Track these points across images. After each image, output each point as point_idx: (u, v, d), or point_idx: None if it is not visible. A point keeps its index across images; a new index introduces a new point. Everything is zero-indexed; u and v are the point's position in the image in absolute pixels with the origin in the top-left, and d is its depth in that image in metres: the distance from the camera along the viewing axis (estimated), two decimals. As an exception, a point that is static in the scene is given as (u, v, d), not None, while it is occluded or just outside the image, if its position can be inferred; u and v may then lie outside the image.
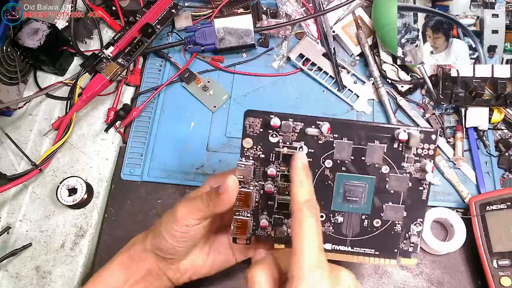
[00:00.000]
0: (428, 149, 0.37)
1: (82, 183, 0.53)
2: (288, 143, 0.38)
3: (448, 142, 0.56)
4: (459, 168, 0.55)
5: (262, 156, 0.38)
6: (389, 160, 0.38)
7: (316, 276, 0.29)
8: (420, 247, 0.52)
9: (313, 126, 0.37)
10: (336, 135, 0.37)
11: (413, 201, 0.38)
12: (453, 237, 0.49)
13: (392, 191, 0.38)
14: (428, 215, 0.50)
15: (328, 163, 0.38)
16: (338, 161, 0.38)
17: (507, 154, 0.55)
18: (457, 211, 0.52)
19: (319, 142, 0.38)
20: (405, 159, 0.37)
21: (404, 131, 0.36)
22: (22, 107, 0.60)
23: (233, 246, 0.44)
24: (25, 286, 0.51)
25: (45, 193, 0.55)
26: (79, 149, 0.58)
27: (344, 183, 0.38)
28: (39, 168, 0.54)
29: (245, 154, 0.38)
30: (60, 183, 0.53)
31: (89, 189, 0.54)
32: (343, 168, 0.38)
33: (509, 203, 0.49)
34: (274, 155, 0.38)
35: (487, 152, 0.56)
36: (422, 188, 0.38)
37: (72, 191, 0.53)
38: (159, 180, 0.56)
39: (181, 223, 0.38)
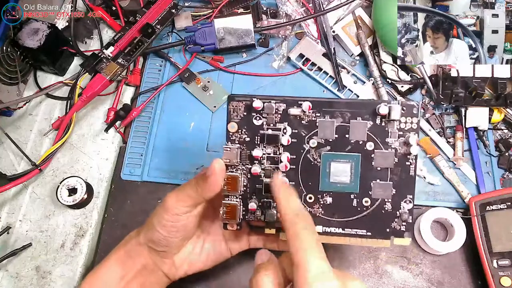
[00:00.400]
0: (411, 122, 0.37)
1: (82, 183, 0.53)
2: (272, 124, 0.38)
3: (448, 142, 0.56)
4: (459, 168, 0.55)
5: (248, 139, 0.39)
6: (373, 136, 0.38)
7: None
8: (420, 247, 0.52)
9: (295, 106, 0.38)
10: (319, 114, 0.38)
11: (401, 178, 0.38)
12: (453, 237, 0.49)
13: (378, 168, 0.38)
14: (428, 215, 0.50)
15: (313, 142, 0.38)
16: (323, 140, 0.38)
17: (507, 154, 0.55)
18: (457, 211, 0.52)
19: (302, 122, 0.38)
20: (389, 134, 0.38)
21: (385, 105, 0.36)
22: (22, 107, 0.60)
23: (227, 239, 0.44)
24: (25, 286, 0.51)
25: (45, 193, 0.55)
26: (79, 149, 0.58)
27: (330, 162, 0.38)
28: (39, 168, 0.54)
29: (231, 138, 0.39)
30: (60, 183, 0.53)
31: (89, 189, 0.54)
32: (328, 147, 0.38)
33: (509, 203, 0.49)
34: (259, 137, 0.39)
35: (487, 152, 0.56)
36: (409, 163, 0.38)
37: (72, 191, 0.53)
38: (159, 180, 0.56)
39: (171, 212, 0.38)
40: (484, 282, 0.48)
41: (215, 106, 0.60)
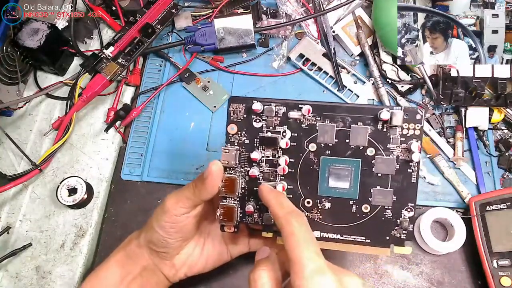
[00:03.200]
0: (414, 129, 0.37)
1: (82, 183, 0.53)
2: (271, 127, 0.38)
3: (448, 142, 0.56)
4: (459, 168, 0.55)
5: (247, 141, 0.39)
6: (374, 142, 0.37)
7: (320, 283, 0.28)
8: (420, 247, 0.52)
9: (295, 110, 0.38)
10: (319, 118, 0.38)
11: (402, 185, 0.37)
12: (453, 237, 0.49)
13: (379, 174, 0.37)
14: (428, 215, 0.50)
15: (312, 146, 0.38)
16: (322, 145, 0.38)
17: (507, 154, 0.55)
18: (457, 211, 0.52)
19: (302, 125, 0.38)
20: (391, 140, 0.37)
21: (387, 110, 0.36)
22: (22, 107, 0.60)
23: (227, 241, 0.44)
24: (25, 286, 0.51)
25: (45, 193, 0.55)
26: (79, 149, 0.58)
27: (329, 167, 0.38)
28: (39, 168, 0.54)
29: (230, 140, 0.39)
30: (60, 183, 0.53)
31: (89, 189, 0.54)
32: (327, 152, 0.38)
33: (509, 203, 0.49)
34: (258, 140, 0.38)
35: (487, 152, 0.56)
36: (410, 170, 0.37)
37: (72, 191, 0.53)
38: (159, 180, 0.56)
39: (170, 213, 0.38)
40: (484, 282, 0.48)
41: (215, 106, 0.60)
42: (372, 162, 0.37)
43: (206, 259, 0.43)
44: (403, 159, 0.37)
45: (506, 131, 0.57)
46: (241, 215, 0.39)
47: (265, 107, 0.38)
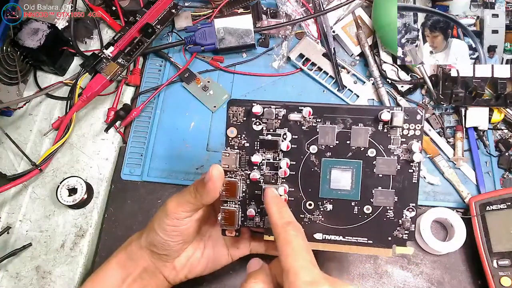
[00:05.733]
0: (415, 129, 0.37)
1: (82, 183, 0.53)
2: (271, 130, 0.38)
3: (448, 142, 0.56)
4: (459, 168, 0.55)
5: (247, 144, 0.38)
6: (375, 143, 0.37)
7: None
8: (420, 247, 0.52)
9: (295, 112, 0.37)
10: (319, 120, 0.37)
11: (404, 185, 0.37)
12: (453, 237, 0.49)
13: (380, 175, 0.37)
14: (428, 215, 0.50)
15: (313, 148, 0.38)
16: (323, 146, 0.38)
17: (507, 154, 0.55)
18: (457, 211, 0.52)
19: (303, 128, 0.38)
20: (391, 141, 0.37)
21: (388, 111, 0.36)
22: (22, 107, 0.60)
23: (228, 244, 0.44)
24: (25, 286, 0.51)
25: (45, 193, 0.55)
26: (79, 149, 0.58)
27: (331, 169, 0.38)
28: (39, 168, 0.54)
29: (230, 143, 0.39)
30: (60, 183, 0.53)
31: (89, 189, 0.54)
32: (328, 154, 0.38)
33: (509, 203, 0.49)
34: (258, 143, 0.38)
35: (487, 152, 0.56)
36: (411, 170, 0.37)
37: (72, 191, 0.53)
38: (159, 180, 0.56)
39: (171, 217, 0.38)
40: (484, 282, 0.48)
41: (215, 106, 0.60)
42: (373, 163, 0.37)
43: (206, 261, 0.43)
44: (404, 160, 0.37)
45: (506, 131, 0.57)
46: (242, 218, 0.39)
47: (265, 109, 0.38)
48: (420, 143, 0.36)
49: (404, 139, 0.37)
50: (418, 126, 0.37)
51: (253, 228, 0.40)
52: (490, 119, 0.56)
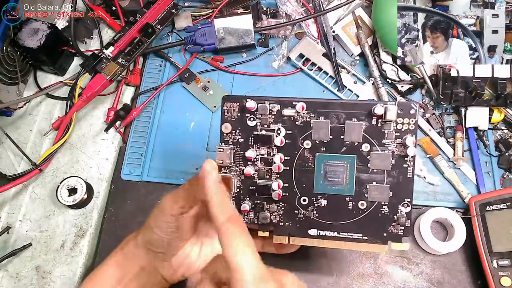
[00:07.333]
0: (409, 123, 0.37)
1: (82, 183, 0.53)
2: (265, 125, 0.38)
3: (448, 142, 0.56)
4: (459, 168, 0.55)
5: (241, 140, 0.38)
6: (369, 138, 0.37)
7: None
8: (420, 247, 0.52)
9: (289, 107, 0.38)
10: (313, 115, 0.37)
11: (399, 180, 0.37)
12: (453, 237, 0.49)
13: (375, 170, 0.37)
14: (428, 215, 0.50)
15: (307, 144, 0.38)
16: (317, 142, 0.38)
17: (507, 154, 0.55)
18: (457, 211, 0.52)
19: (297, 123, 0.38)
20: (385, 136, 0.37)
21: (382, 105, 0.36)
22: (22, 107, 0.60)
23: None
24: (25, 286, 0.51)
25: (45, 193, 0.55)
26: (79, 149, 0.58)
27: (325, 164, 0.38)
28: (39, 168, 0.54)
29: (225, 139, 0.39)
30: (60, 183, 0.53)
31: (89, 189, 0.54)
32: (322, 149, 0.38)
33: (509, 203, 0.49)
34: (252, 138, 0.38)
35: (487, 152, 0.56)
36: (406, 165, 0.37)
37: (72, 191, 0.53)
38: (159, 180, 0.56)
39: (167, 213, 0.38)
40: (484, 282, 0.48)
41: (215, 106, 0.60)
42: (368, 158, 0.37)
43: (204, 259, 0.43)
44: (399, 154, 0.37)
45: (506, 131, 0.57)
46: None
47: (259, 105, 0.38)
48: (415, 137, 0.36)
49: (398, 134, 0.37)
50: (412, 120, 0.36)
51: (247, 225, 0.40)
52: (490, 119, 0.56)
